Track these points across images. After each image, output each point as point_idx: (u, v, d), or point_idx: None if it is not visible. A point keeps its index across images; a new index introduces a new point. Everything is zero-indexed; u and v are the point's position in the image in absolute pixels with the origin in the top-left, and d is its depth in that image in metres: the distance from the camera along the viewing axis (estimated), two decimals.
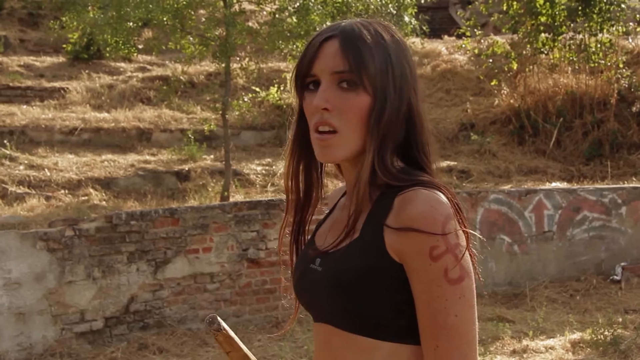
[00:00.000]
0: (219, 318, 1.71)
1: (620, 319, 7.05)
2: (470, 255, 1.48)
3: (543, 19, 13.15)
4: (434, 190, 1.48)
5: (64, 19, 11.15)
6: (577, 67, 13.52)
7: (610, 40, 13.24)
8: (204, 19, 10.91)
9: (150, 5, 9.61)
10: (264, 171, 11.44)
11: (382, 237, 1.48)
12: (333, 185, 8.28)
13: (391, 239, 1.47)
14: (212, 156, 11.92)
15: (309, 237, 1.74)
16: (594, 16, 12.97)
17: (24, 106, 12.87)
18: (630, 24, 13.82)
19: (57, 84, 14.04)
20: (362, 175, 1.52)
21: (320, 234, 1.70)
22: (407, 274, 1.46)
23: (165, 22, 10.11)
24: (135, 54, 12.88)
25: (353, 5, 11.16)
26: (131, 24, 10.10)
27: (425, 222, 1.43)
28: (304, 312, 1.75)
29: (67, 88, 13.79)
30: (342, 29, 1.56)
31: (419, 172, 1.55)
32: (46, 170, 10.45)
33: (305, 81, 1.58)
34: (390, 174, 1.52)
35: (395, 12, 11.67)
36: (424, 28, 13.11)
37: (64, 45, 15.45)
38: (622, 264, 8.74)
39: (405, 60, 1.57)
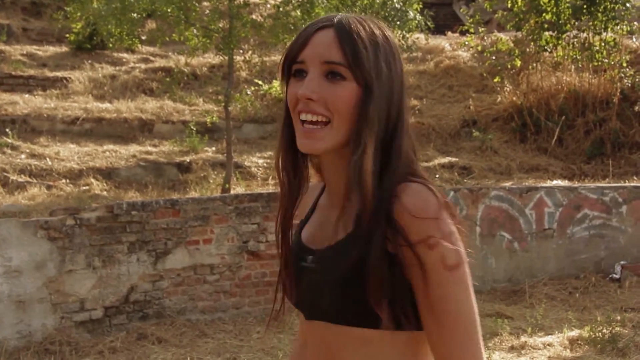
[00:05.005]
0: None
1: (619, 317, 7.06)
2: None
3: (547, 17, 13.13)
4: (422, 184, 1.50)
5: (68, 9, 11.13)
6: (580, 66, 13.50)
7: (615, 39, 13.22)
8: (207, 11, 10.90)
9: None
10: (265, 164, 11.44)
11: (384, 237, 1.48)
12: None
13: (392, 237, 1.47)
14: (213, 148, 11.92)
15: (294, 236, 1.72)
16: (599, 15, 12.95)
17: (26, 95, 12.87)
18: (635, 23, 13.79)
19: (59, 74, 14.03)
20: (365, 168, 1.50)
21: (306, 233, 1.70)
22: (404, 263, 1.47)
23: (169, 14, 10.10)
24: (138, 46, 12.87)
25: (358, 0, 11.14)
26: (135, 15, 10.09)
27: (419, 212, 1.45)
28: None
29: (70, 78, 13.78)
30: (337, 21, 1.56)
31: (407, 168, 1.56)
32: (48, 159, 10.46)
33: (291, 68, 1.58)
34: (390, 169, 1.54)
35: (399, 7, 11.67)
36: (429, 24, 13.09)
37: (67, 35, 15.45)
38: (622, 262, 8.75)
39: (394, 59, 1.59)
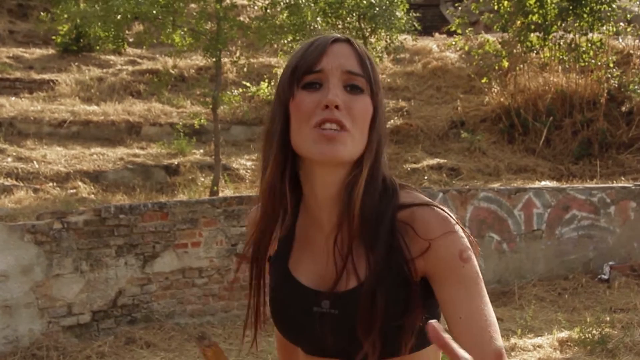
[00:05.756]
0: (208, 333, 1.68)
1: (608, 318, 7.06)
2: None
3: (534, 18, 13.17)
4: (433, 207, 1.49)
5: (57, 11, 11.05)
6: (567, 66, 13.55)
7: (601, 39, 13.27)
8: (195, 13, 10.85)
9: None
10: (253, 166, 11.41)
11: (406, 268, 1.47)
12: None
13: (416, 264, 1.47)
14: (201, 150, 11.89)
15: (278, 268, 1.61)
16: (585, 16, 13.00)
17: (13, 98, 12.79)
18: (621, 24, 13.85)
19: (46, 76, 13.97)
20: (358, 191, 1.48)
21: (302, 271, 1.59)
22: (437, 281, 1.47)
23: (156, 16, 10.03)
24: (125, 48, 12.81)
25: (346, 1, 11.15)
26: (119, 16, 10.00)
27: (447, 233, 1.46)
28: None
29: (57, 80, 13.72)
30: (347, 37, 1.55)
31: (403, 187, 1.55)
32: (34, 162, 10.39)
33: (303, 78, 1.50)
34: (385, 187, 1.52)
35: (386, 8, 11.68)
36: (416, 25, 13.09)
37: (54, 37, 15.37)
38: (610, 263, 8.76)
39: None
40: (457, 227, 1.47)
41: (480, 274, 1.48)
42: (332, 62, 1.49)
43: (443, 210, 1.48)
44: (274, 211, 1.57)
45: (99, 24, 10.09)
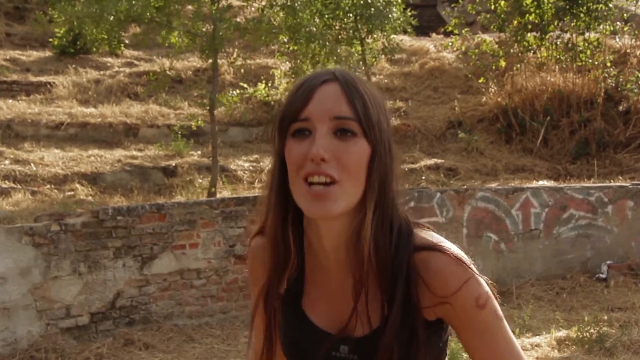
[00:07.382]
0: None
1: (606, 317, 7.07)
2: None
3: (531, 18, 13.19)
4: (445, 252, 1.46)
5: (54, 14, 11.04)
6: (564, 66, 13.56)
7: (598, 39, 13.28)
8: (191, 15, 10.85)
9: (133, 1, 9.53)
10: (251, 167, 11.40)
11: (420, 315, 1.47)
12: None
13: (433, 310, 1.46)
14: (199, 152, 11.88)
15: (290, 309, 1.58)
16: (582, 15, 13.02)
17: (10, 100, 12.78)
18: (618, 23, 13.87)
19: (43, 79, 13.96)
20: (366, 237, 1.43)
21: (316, 310, 1.57)
22: (456, 328, 1.48)
23: (151, 18, 10.02)
24: (122, 50, 12.82)
25: (342, 2, 11.16)
26: (112, 17, 9.95)
27: (463, 283, 1.44)
28: None
29: (54, 83, 13.71)
30: (339, 74, 1.46)
31: (408, 227, 1.50)
32: (32, 164, 10.38)
33: (291, 126, 1.44)
34: (393, 233, 1.48)
35: (382, 8, 11.69)
36: (413, 23, 13.09)
37: (51, 40, 15.36)
38: (608, 262, 8.76)
39: (387, 116, 1.51)
40: (471, 271, 1.44)
41: (500, 313, 1.46)
42: (319, 108, 1.42)
43: (455, 255, 1.44)
44: (281, 259, 1.53)
45: (93, 25, 10.06)
